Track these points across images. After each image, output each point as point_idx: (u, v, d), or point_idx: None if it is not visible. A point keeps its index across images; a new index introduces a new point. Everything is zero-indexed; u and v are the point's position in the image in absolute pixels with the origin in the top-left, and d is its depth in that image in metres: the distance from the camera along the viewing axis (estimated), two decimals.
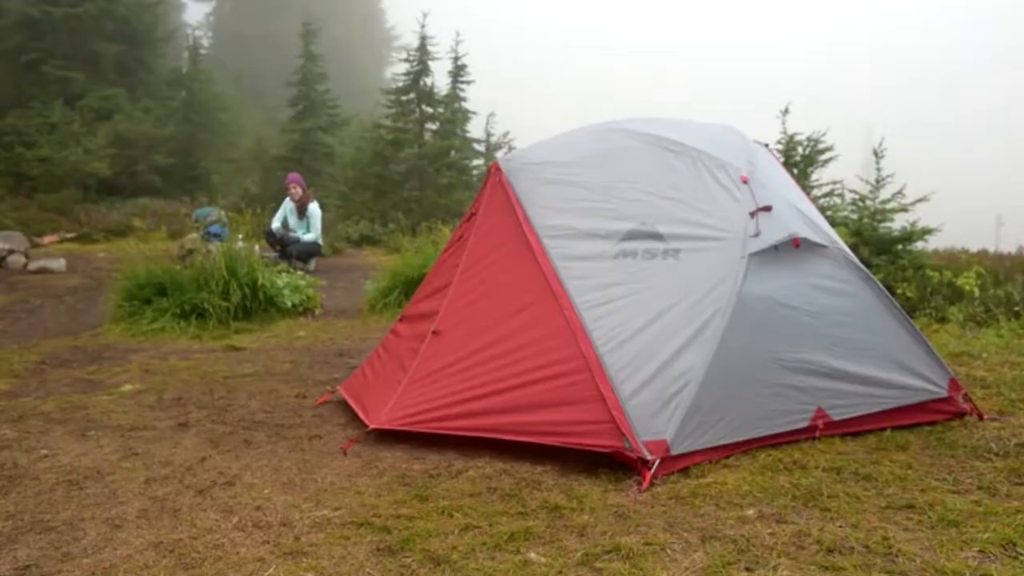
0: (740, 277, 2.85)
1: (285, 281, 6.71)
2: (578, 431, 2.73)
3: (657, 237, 2.99)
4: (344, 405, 3.63)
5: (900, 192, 7.16)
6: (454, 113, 16.91)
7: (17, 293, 7.65)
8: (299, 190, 9.30)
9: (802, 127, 8.52)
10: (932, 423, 3.14)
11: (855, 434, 3.01)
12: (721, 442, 2.77)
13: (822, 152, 8.47)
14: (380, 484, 2.66)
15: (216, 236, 8.98)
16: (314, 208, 9.27)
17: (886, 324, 3.10)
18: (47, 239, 13.04)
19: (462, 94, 17.24)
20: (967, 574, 1.93)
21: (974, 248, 9.61)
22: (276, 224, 9.31)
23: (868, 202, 7.25)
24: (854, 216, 7.33)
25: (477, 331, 3.06)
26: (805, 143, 8.49)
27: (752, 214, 2.98)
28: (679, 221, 3.02)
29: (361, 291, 7.24)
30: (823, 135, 8.46)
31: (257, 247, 7.22)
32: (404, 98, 16.90)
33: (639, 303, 2.89)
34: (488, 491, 2.57)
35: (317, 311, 6.74)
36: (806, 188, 7.62)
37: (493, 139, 16.99)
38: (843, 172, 8.36)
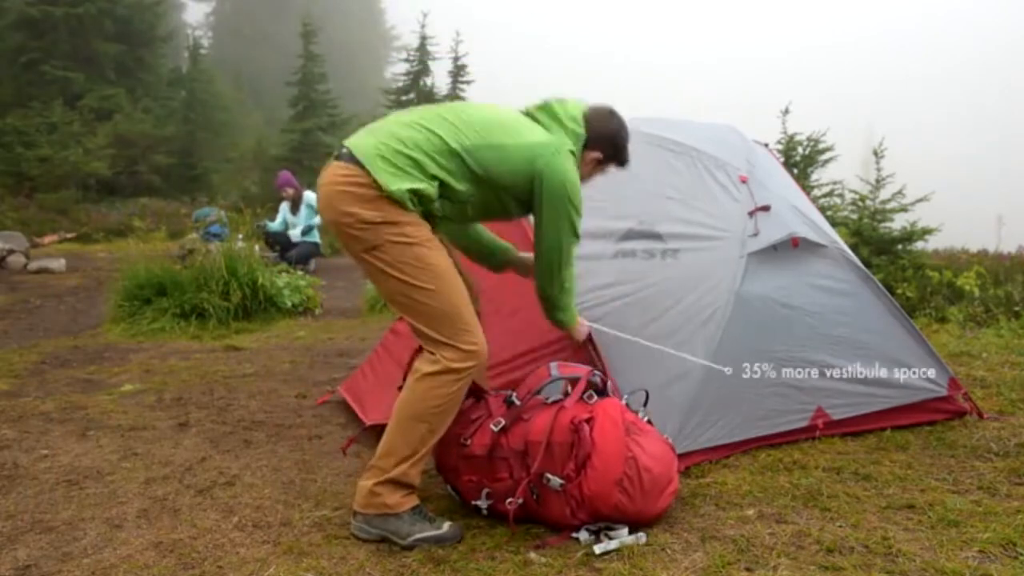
0: (739, 277, 2.85)
1: (285, 281, 6.72)
2: None
3: (656, 237, 2.98)
4: (344, 405, 3.63)
5: (900, 192, 7.16)
6: None
7: (17, 293, 7.65)
8: (291, 190, 9.41)
9: (802, 127, 8.54)
10: (932, 423, 3.13)
11: (855, 434, 3.01)
12: (721, 442, 2.77)
13: (822, 152, 8.47)
14: None
15: (216, 236, 9.01)
16: (308, 195, 9.38)
17: (886, 324, 3.09)
18: (47, 239, 13.05)
19: (462, 94, 17.24)
20: (967, 574, 1.93)
21: (974, 248, 9.61)
22: (275, 225, 9.37)
23: (868, 202, 7.25)
24: (854, 216, 7.33)
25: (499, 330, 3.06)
26: (805, 143, 8.49)
27: (751, 214, 2.98)
28: (678, 221, 3.02)
29: (361, 291, 7.24)
30: (823, 135, 8.46)
31: (257, 247, 7.23)
32: (404, 98, 16.94)
33: (638, 303, 2.89)
34: None
35: (317, 311, 6.75)
36: (806, 188, 7.62)
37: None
38: (843, 172, 8.37)
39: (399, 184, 2.13)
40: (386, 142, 2.18)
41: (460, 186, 2.22)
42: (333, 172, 2.20)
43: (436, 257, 2.19)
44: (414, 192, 2.15)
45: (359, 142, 2.21)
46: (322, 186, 2.23)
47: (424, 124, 2.23)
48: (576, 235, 2.30)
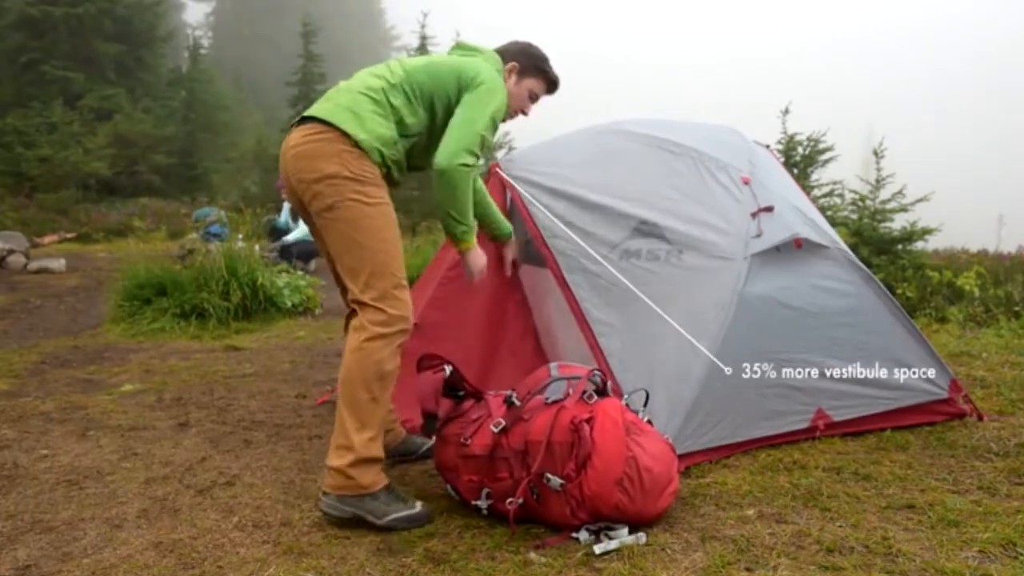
0: (742, 278, 2.85)
1: (285, 281, 6.72)
2: None
3: (659, 238, 2.98)
4: None
5: (900, 192, 7.16)
6: None
7: (17, 293, 7.65)
8: None
9: (802, 127, 8.54)
10: (932, 423, 3.14)
11: (855, 434, 3.01)
12: (722, 442, 2.77)
13: (822, 152, 8.48)
14: None
15: (216, 236, 9.01)
16: None
17: (887, 325, 3.09)
18: (47, 239, 13.06)
19: None
20: (967, 574, 1.93)
21: (974, 248, 9.62)
22: (282, 222, 9.41)
23: (868, 202, 7.25)
24: (854, 216, 7.33)
25: (469, 328, 3.08)
26: (805, 143, 8.49)
27: (754, 215, 2.98)
28: (681, 222, 3.01)
29: None
30: (823, 135, 8.47)
31: (257, 247, 7.23)
32: None
33: (642, 303, 2.89)
34: None
35: (317, 311, 6.75)
36: (806, 188, 7.62)
37: (493, 139, 16.98)
38: (843, 172, 8.38)
39: (365, 132, 2.28)
40: (346, 99, 2.35)
41: (410, 120, 2.39)
42: (295, 136, 2.34)
43: (387, 220, 2.31)
44: (379, 137, 2.30)
45: (320, 107, 2.37)
46: (283, 154, 2.37)
47: (372, 72, 2.47)
48: (493, 130, 2.43)
